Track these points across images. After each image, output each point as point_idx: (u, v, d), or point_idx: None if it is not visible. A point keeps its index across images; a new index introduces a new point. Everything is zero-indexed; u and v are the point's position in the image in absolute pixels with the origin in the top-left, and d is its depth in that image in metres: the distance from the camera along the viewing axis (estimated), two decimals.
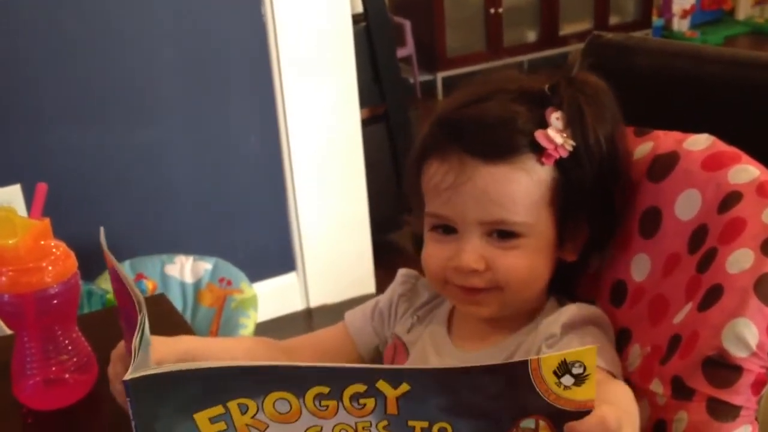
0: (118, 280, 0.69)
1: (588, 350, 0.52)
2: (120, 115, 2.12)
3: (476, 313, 0.83)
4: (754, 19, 5.15)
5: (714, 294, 0.73)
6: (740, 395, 0.71)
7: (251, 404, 0.54)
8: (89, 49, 2.04)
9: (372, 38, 2.63)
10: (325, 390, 0.53)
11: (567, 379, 0.53)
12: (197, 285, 2.11)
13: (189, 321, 2.03)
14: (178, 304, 2.07)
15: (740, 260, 0.72)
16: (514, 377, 0.53)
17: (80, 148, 2.09)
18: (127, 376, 0.53)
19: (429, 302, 0.93)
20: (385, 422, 0.54)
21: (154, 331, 0.87)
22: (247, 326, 2.03)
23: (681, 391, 0.73)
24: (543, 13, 4.54)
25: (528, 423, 0.54)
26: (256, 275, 2.30)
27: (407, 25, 4.11)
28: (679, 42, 1.02)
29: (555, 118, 0.79)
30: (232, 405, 0.54)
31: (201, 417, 0.54)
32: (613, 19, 4.76)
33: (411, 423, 0.54)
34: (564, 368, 0.52)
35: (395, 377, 0.53)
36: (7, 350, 0.92)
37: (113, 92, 2.10)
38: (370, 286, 2.57)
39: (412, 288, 0.94)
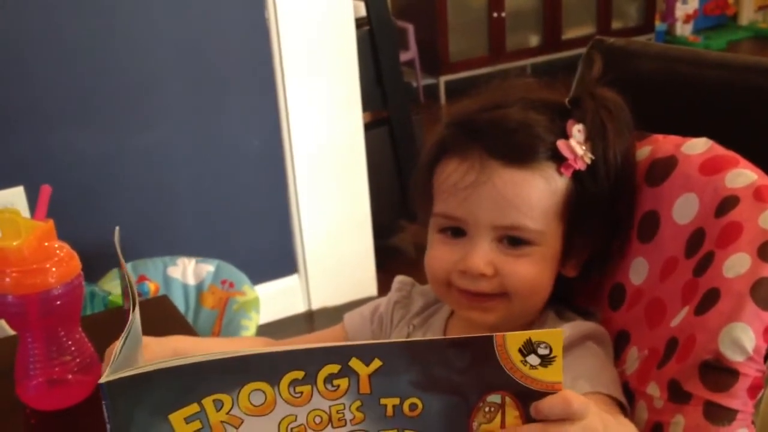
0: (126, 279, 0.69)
1: (554, 332, 0.54)
2: (123, 117, 2.13)
3: (479, 319, 0.83)
4: (757, 24, 5.15)
5: (711, 298, 0.73)
6: (737, 399, 0.71)
7: (226, 399, 0.54)
8: (92, 52, 2.05)
9: (375, 42, 2.64)
10: (300, 375, 0.54)
11: (533, 359, 0.54)
12: (199, 287, 2.12)
13: (191, 323, 2.04)
14: (180, 306, 2.07)
15: (737, 264, 0.73)
16: (480, 352, 0.54)
17: (83, 150, 2.10)
18: (103, 379, 0.53)
19: (424, 310, 0.93)
20: (358, 403, 0.55)
21: (156, 332, 0.88)
22: (249, 328, 2.03)
23: (678, 394, 0.74)
24: (546, 18, 4.55)
25: (494, 398, 0.55)
26: (257, 277, 2.30)
27: (410, 28, 4.12)
28: (680, 47, 1.02)
29: (577, 130, 0.80)
30: (207, 402, 0.54)
31: (176, 417, 0.54)
32: (616, 24, 4.76)
33: (383, 401, 0.55)
34: (530, 347, 0.54)
35: (367, 353, 0.54)
36: (11, 351, 0.92)
37: (116, 94, 2.11)
38: (371, 289, 2.57)
39: (408, 295, 0.94)
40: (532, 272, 0.80)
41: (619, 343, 0.84)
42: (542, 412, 0.55)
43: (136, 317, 0.60)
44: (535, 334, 0.54)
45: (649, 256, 0.83)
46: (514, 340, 0.54)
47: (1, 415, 0.93)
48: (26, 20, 1.95)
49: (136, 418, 0.54)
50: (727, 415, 0.71)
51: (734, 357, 0.71)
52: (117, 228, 0.72)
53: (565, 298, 0.88)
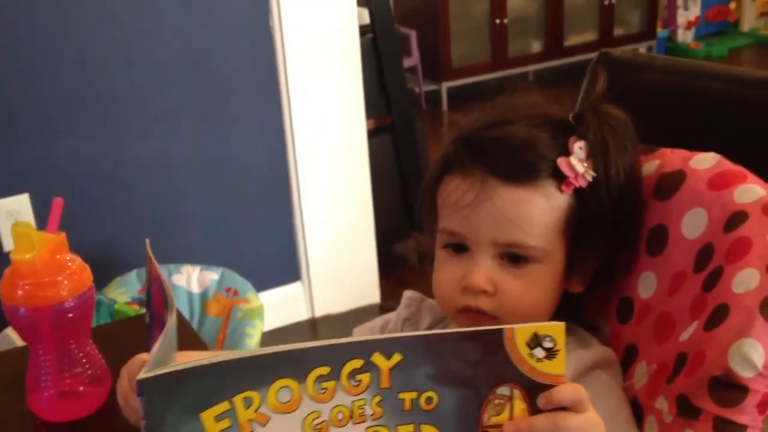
0: (156, 285, 0.69)
1: (557, 326, 0.57)
2: (127, 125, 2.14)
3: None
4: (759, 31, 5.16)
5: (720, 313, 0.74)
6: (746, 414, 0.71)
7: (255, 397, 0.56)
8: (96, 59, 2.06)
9: (378, 50, 2.65)
10: (326, 371, 0.56)
11: (539, 352, 0.57)
12: (204, 295, 2.12)
13: (196, 331, 2.04)
14: (184, 314, 2.08)
15: (746, 280, 0.73)
16: (491, 344, 0.57)
17: (87, 158, 2.10)
18: (141, 376, 0.54)
19: (433, 327, 0.93)
20: (378, 397, 0.57)
21: None
22: (253, 336, 2.04)
23: (687, 409, 0.74)
24: (548, 24, 4.56)
25: (503, 390, 0.58)
26: (261, 285, 2.31)
27: (413, 35, 4.13)
28: (687, 60, 1.02)
29: (578, 147, 0.81)
30: (237, 400, 0.55)
31: (207, 416, 0.56)
32: (618, 31, 4.77)
33: (401, 395, 0.57)
34: (536, 341, 0.57)
35: (388, 347, 0.56)
36: (21, 362, 0.93)
37: (121, 103, 2.11)
38: (374, 297, 2.58)
39: (417, 312, 0.95)
40: (530, 293, 0.80)
41: (628, 357, 0.84)
42: (554, 401, 0.58)
43: (172, 321, 0.61)
44: (540, 328, 0.57)
45: (657, 270, 0.84)
46: (522, 333, 0.57)
47: (12, 426, 0.94)
48: (31, 29, 1.96)
49: (168, 418, 0.55)
50: (737, 430, 0.71)
51: (744, 373, 0.71)
52: (147, 240, 0.73)
53: (572, 312, 0.88)
